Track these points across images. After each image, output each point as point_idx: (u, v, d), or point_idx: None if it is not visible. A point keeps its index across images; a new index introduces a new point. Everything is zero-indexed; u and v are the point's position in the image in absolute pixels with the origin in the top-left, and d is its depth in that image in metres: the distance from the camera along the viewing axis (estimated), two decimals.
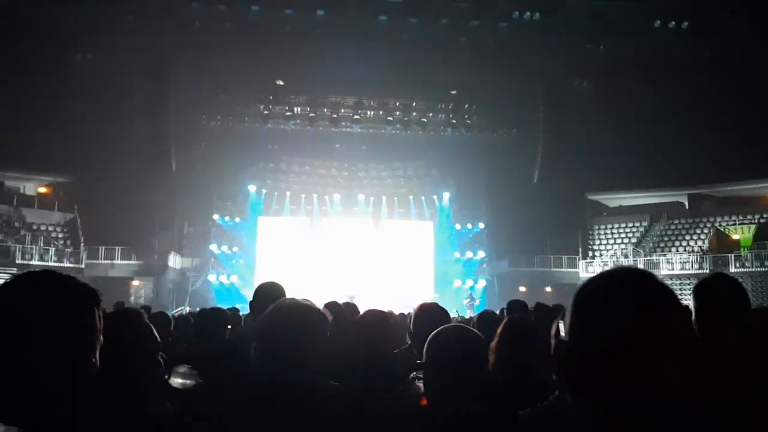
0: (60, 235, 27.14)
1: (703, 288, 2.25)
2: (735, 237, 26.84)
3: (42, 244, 25.23)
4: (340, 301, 4.58)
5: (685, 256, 27.17)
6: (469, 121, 31.41)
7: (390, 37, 25.91)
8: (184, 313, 15.55)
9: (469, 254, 30.73)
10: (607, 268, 1.08)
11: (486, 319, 3.76)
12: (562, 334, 2.11)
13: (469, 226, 31.41)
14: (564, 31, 25.76)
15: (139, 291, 27.73)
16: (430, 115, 31.17)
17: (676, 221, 29.92)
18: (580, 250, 29.41)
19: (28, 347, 1.09)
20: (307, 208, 31.44)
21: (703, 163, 26.59)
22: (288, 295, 3.28)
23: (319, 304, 2.21)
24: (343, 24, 25.75)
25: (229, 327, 4.24)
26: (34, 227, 26.74)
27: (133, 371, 1.68)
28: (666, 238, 29.33)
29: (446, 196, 31.97)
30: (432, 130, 31.50)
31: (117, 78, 25.35)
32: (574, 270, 28.48)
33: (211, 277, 27.89)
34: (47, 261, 24.37)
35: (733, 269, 24.25)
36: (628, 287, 0.99)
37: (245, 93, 29.08)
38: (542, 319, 4.56)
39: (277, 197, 31.30)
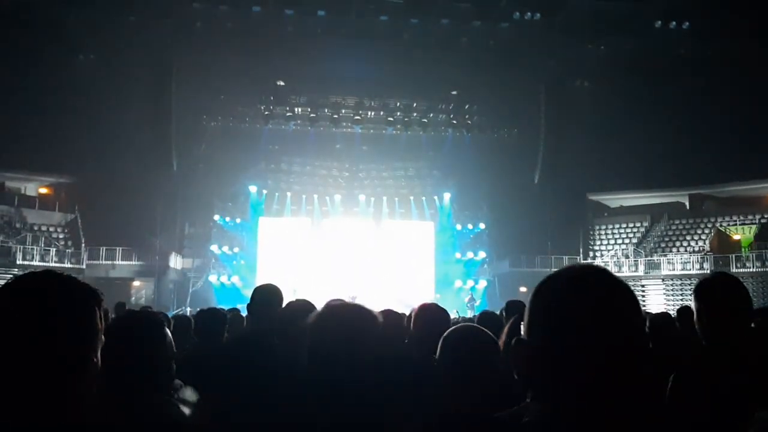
0: (61, 236, 27.14)
1: (704, 288, 2.25)
2: (736, 237, 26.80)
3: (43, 245, 25.20)
4: None
5: (686, 256, 27.12)
6: (469, 122, 31.42)
7: (391, 38, 25.92)
8: (184, 313, 15.61)
9: (469, 254, 30.69)
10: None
11: (486, 319, 3.76)
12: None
13: (470, 226, 31.36)
14: (565, 31, 25.75)
15: (140, 291, 27.74)
16: (431, 115, 31.18)
17: (677, 221, 29.87)
18: (581, 250, 29.39)
19: (29, 348, 1.09)
20: (307, 208, 31.39)
21: (704, 163, 26.57)
22: (288, 296, 3.29)
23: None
24: (344, 24, 25.78)
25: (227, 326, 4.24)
26: (35, 228, 26.74)
27: (150, 379, 1.69)
28: (667, 239, 29.28)
29: (447, 196, 31.92)
30: (433, 131, 31.52)
31: (118, 79, 25.43)
32: None
33: (212, 278, 27.89)
34: (48, 262, 24.32)
35: (734, 269, 24.17)
36: (586, 282, 0.97)
37: (246, 93, 29.07)
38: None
39: (278, 198, 31.26)
